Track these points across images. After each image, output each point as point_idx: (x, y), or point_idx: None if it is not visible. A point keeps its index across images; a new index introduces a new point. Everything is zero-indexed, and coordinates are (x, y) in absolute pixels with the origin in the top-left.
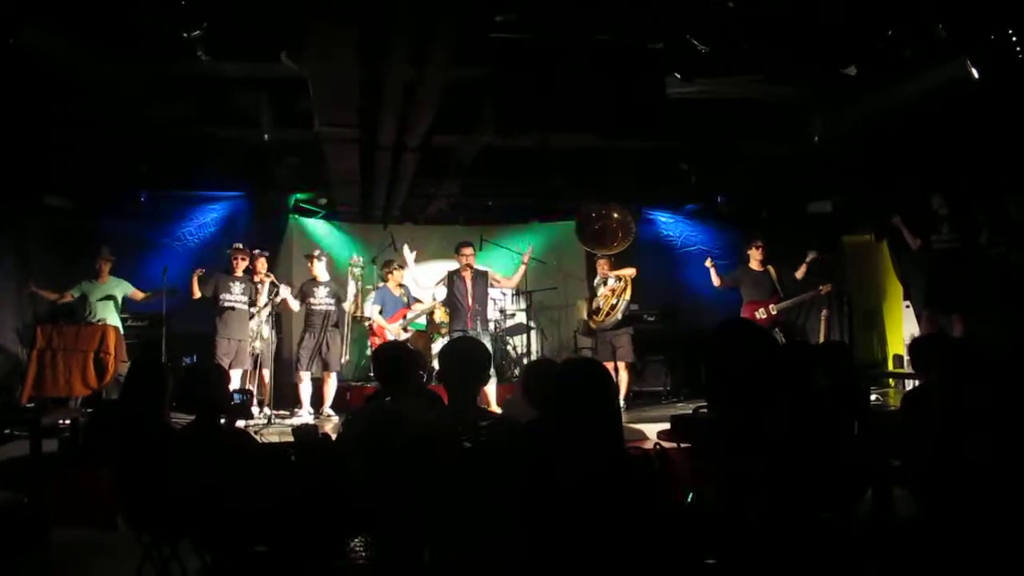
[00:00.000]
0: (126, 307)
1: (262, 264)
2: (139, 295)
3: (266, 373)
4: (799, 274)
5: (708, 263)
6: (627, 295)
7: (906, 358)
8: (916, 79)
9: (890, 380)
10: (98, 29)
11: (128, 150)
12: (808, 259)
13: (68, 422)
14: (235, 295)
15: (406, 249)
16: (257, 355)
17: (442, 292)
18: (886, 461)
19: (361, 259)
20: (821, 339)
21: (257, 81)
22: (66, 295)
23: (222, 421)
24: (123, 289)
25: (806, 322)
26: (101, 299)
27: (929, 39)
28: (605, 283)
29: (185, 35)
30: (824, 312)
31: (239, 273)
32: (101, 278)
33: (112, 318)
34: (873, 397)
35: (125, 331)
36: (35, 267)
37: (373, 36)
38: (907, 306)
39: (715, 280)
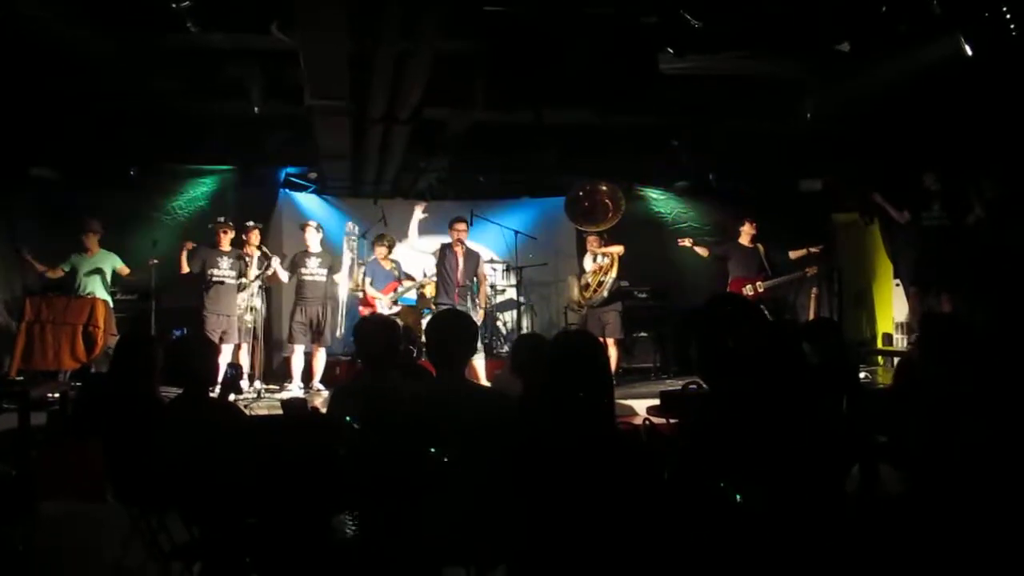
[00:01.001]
0: (116, 281)
1: (255, 237)
2: (125, 270)
3: (256, 346)
4: (796, 255)
5: (687, 243)
6: (613, 272)
7: (895, 336)
8: (909, 56)
9: (879, 358)
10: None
11: (118, 123)
12: (813, 249)
13: (57, 395)
14: (223, 269)
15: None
16: (249, 328)
17: (432, 267)
18: (874, 438)
19: (356, 227)
20: (811, 316)
21: (247, 53)
22: (57, 270)
23: (212, 395)
24: (112, 263)
25: (796, 299)
26: (90, 272)
27: (923, 15)
28: (594, 260)
29: (174, 5)
30: (814, 290)
31: (225, 247)
32: (90, 251)
33: (101, 292)
34: (862, 375)
35: (115, 305)
36: (23, 240)
37: (364, 7)
38: (897, 284)
39: (702, 251)
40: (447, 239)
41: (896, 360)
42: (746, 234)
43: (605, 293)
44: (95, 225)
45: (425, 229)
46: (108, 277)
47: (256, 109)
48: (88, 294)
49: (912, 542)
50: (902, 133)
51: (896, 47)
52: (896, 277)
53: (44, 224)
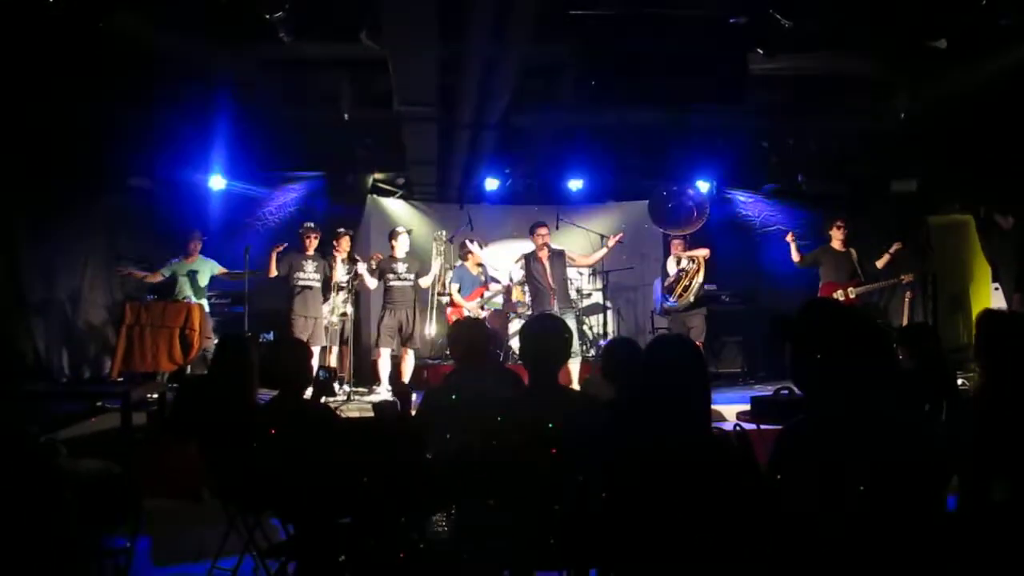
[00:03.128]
0: (212, 285)
1: (345, 243)
2: (223, 270)
3: (347, 350)
4: (881, 263)
5: (789, 238)
6: (700, 277)
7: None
8: (1010, 51)
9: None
10: (183, 12)
11: (212, 131)
12: (893, 250)
13: (155, 396)
14: (308, 273)
15: (475, 246)
16: (338, 332)
17: (519, 271)
18: (973, 445)
19: (444, 233)
20: (904, 321)
21: (338, 61)
22: (156, 275)
23: (306, 396)
24: (211, 268)
25: (888, 304)
26: (189, 277)
27: None
28: (678, 263)
29: (268, 16)
30: (908, 294)
31: (311, 252)
32: (191, 257)
33: (199, 295)
34: (959, 381)
35: (209, 309)
36: (123, 248)
37: (452, 13)
38: (996, 288)
39: (795, 256)
40: (530, 245)
41: None
42: (836, 238)
43: (692, 298)
44: (197, 233)
45: (511, 234)
46: (206, 281)
47: (346, 116)
48: (185, 298)
49: (1015, 551)
50: (1001, 131)
51: (996, 43)
52: (995, 280)
53: (142, 232)
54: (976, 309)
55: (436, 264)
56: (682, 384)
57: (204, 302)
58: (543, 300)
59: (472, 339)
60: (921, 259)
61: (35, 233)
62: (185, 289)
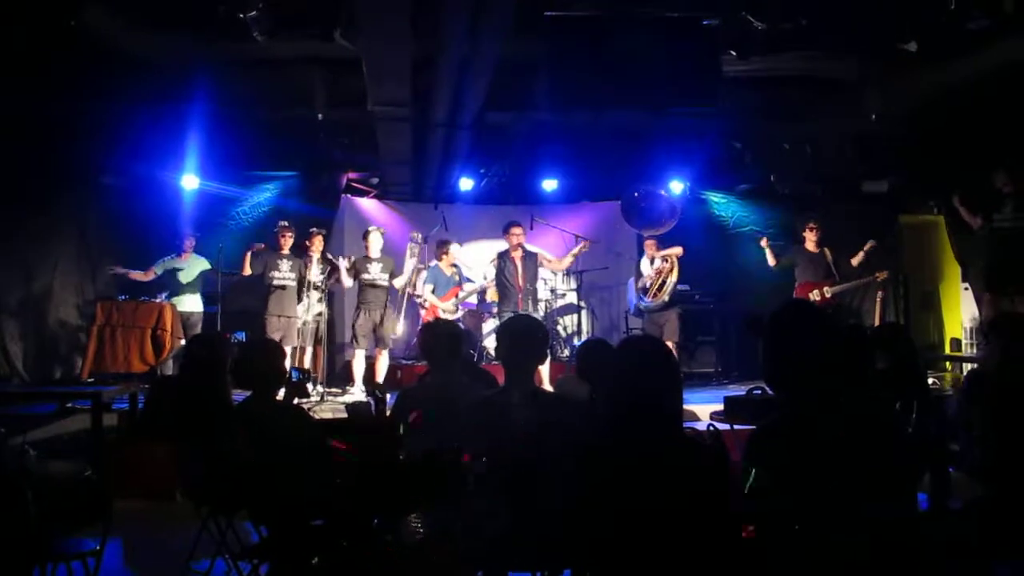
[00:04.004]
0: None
1: (318, 242)
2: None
3: (320, 350)
4: (855, 260)
5: (763, 243)
6: (674, 275)
7: (964, 341)
8: (980, 54)
9: (947, 363)
10: (156, 10)
11: (185, 130)
12: (867, 247)
13: (127, 397)
14: (283, 272)
15: (454, 245)
16: (312, 331)
17: (493, 272)
18: (945, 444)
19: (420, 235)
20: (876, 321)
21: (311, 61)
22: (149, 272)
23: (279, 397)
24: (201, 265)
25: (861, 304)
26: (183, 275)
27: (995, 12)
28: (652, 263)
29: (241, 15)
30: (880, 294)
31: (286, 251)
32: (184, 255)
33: (193, 292)
34: (930, 381)
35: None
36: (96, 247)
37: (427, 12)
38: (965, 288)
39: (770, 260)
40: (504, 245)
41: (964, 365)
42: (810, 239)
43: (666, 297)
44: (190, 232)
45: (486, 234)
46: (193, 277)
47: (320, 115)
48: (178, 296)
49: (983, 549)
50: (971, 132)
51: (965, 46)
52: (964, 280)
53: (113, 231)
54: (946, 308)
55: (410, 264)
56: (653, 384)
57: (197, 298)
58: (511, 300)
59: (441, 342)
60: (893, 259)
61: (4, 231)
62: (181, 288)
